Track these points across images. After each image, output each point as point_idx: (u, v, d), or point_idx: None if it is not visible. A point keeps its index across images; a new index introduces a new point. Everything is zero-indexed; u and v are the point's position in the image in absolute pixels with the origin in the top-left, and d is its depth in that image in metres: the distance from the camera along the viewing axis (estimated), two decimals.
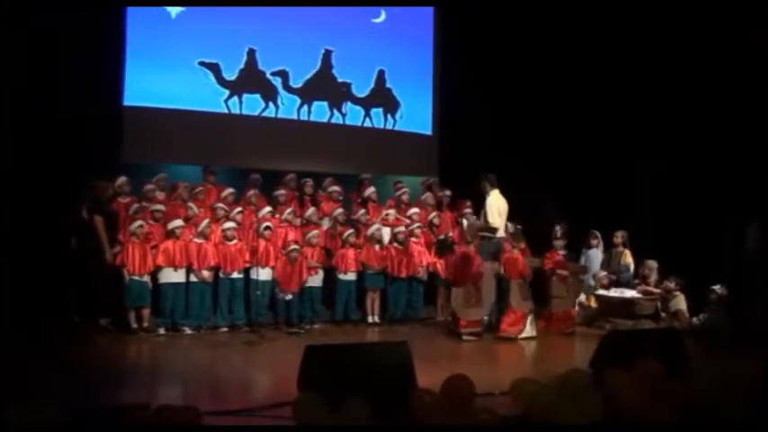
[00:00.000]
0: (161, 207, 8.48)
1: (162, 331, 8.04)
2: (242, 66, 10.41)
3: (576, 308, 9.30)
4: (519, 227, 8.81)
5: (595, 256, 9.83)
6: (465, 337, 8.15)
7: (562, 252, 9.11)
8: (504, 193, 8.85)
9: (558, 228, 9.21)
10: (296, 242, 8.64)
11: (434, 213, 9.82)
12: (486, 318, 8.49)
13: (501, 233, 8.73)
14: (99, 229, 7.79)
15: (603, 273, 9.49)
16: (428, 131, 11.89)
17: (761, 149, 9.03)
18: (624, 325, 8.74)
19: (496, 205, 8.70)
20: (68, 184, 8.16)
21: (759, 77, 9.09)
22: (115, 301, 8.00)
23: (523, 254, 8.68)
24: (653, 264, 9.42)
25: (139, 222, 8.04)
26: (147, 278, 8.07)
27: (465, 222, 9.16)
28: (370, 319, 9.03)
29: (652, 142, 10.31)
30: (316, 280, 8.79)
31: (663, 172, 10.21)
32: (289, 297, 8.55)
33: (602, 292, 9.29)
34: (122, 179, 8.63)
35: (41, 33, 8.46)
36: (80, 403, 4.13)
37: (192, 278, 8.24)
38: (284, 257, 8.52)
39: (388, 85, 11.53)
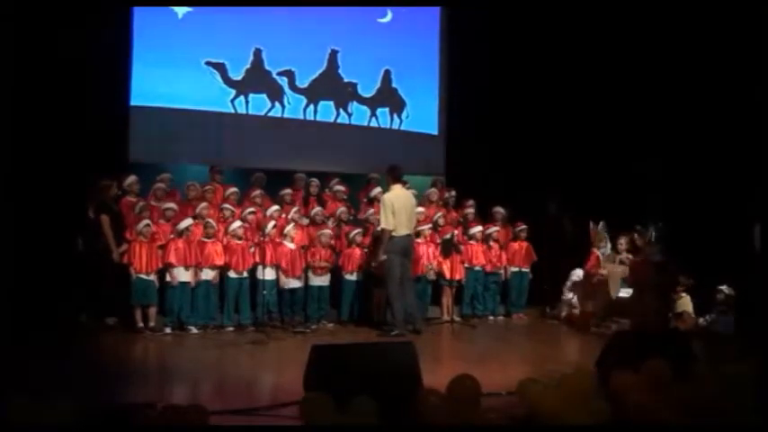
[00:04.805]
0: (173, 206, 8.49)
1: (168, 330, 8.06)
2: (248, 66, 10.42)
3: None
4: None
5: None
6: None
7: (656, 258, 8.27)
8: (510, 192, 8.74)
9: (650, 230, 8.34)
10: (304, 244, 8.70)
11: (440, 213, 9.80)
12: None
13: (405, 230, 8.30)
14: (105, 229, 7.84)
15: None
16: (434, 131, 11.88)
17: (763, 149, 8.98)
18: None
19: (391, 203, 8.21)
20: (75, 184, 8.19)
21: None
22: (122, 300, 8.02)
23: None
24: None
25: (146, 221, 8.06)
26: (153, 277, 8.09)
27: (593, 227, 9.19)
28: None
29: (659, 143, 10.26)
30: (323, 280, 8.81)
31: (670, 172, 10.16)
32: (293, 285, 8.57)
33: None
34: (132, 178, 8.65)
35: (48, 33, 8.48)
36: (87, 402, 4.14)
37: (200, 277, 8.25)
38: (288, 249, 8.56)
39: (394, 84, 11.51)
